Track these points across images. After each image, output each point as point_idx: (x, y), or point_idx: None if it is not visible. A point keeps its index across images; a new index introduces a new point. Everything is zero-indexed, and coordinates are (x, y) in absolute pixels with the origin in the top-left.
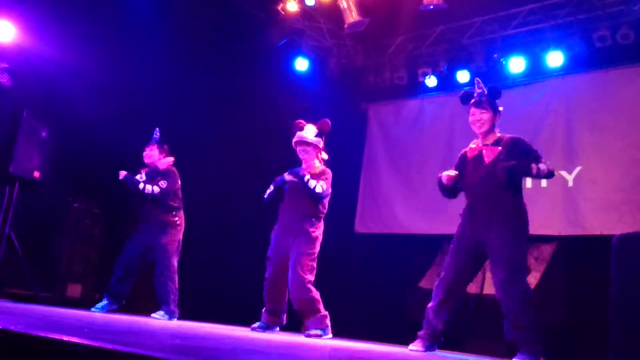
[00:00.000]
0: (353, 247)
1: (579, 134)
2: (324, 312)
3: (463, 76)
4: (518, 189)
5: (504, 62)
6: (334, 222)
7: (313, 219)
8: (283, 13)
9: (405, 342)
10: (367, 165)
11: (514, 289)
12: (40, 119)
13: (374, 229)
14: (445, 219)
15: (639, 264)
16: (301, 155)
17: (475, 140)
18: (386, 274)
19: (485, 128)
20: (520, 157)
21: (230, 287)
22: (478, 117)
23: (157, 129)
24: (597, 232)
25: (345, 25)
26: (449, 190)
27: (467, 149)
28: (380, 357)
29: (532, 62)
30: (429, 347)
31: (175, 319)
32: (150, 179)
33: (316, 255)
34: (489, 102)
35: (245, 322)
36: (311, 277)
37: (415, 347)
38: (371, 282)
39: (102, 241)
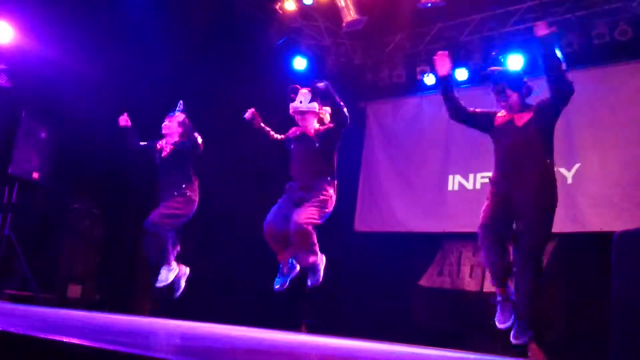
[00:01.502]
0: (353, 246)
1: (578, 131)
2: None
3: (461, 74)
4: (550, 153)
5: (502, 60)
6: (333, 221)
7: (328, 177)
8: (281, 12)
9: (406, 340)
10: (365, 163)
11: (530, 269)
12: (39, 120)
13: (374, 227)
14: (445, 217)
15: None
16: (300, 123)
17: (502, 111)
18: (386, 272)
19: (516, 108)
20: (548, 109)
21: (231, 287)
22: (504, 104)
23: (181, 101)
24: (597, 229)
25: (343, 24)
26: (449, 89)
27: (494, 112)
28: (380, 356)
29: (531, 59)
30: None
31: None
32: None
33: (326, 215)
34: (508, 84)
35: (246, 322)
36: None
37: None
38: (371, 281)
39: (102, 242)
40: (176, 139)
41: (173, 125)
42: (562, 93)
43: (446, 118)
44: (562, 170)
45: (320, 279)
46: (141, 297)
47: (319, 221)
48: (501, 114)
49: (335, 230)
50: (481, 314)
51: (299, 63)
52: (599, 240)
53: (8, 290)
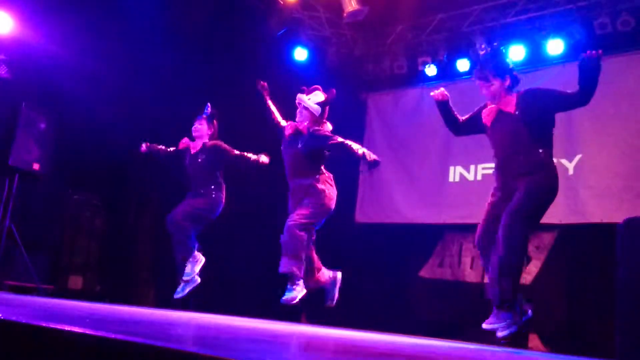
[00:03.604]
0: (353, 237)
1: (579, 122)
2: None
3: (463, 65)
4: (542, 142)
5: (504, 51)
6: (334, 212)
7: (316, 175)
8: (282, 2)
9: (406, 331)
10: None
11: (506, 239)
12: (39, 111)
13: (374, 218)
14: (446, 208)
15: None
16: (298, 114)
17: (489, 104)
18: (387, 263)
19: (499, 98)
20: (541, 104)
21: (234, 278)
22: (485, 91)
23: (209, 104)
24: (598, 220)
25: (345, 14)
26: (446, 112)
27: (484, 109)
28: (381, 347)
29: (532, 50)
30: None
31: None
32: (191, 157)
33: (322, 212)
34: (493, 69)
35: (247, 313)
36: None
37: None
38: (372, 272)
39: (103, 233)
40: (206, 139)
41: (203, 127)
42: (588, 96)
43: None
44: (564, 161)
45: (335, 299)
46: (141, 286)
47: (311, 220)
48: (486, 110)
49: (336, 222)
50: (482, 305)
51: (300, 54)
52: (600, 231)
53: (9, 281)
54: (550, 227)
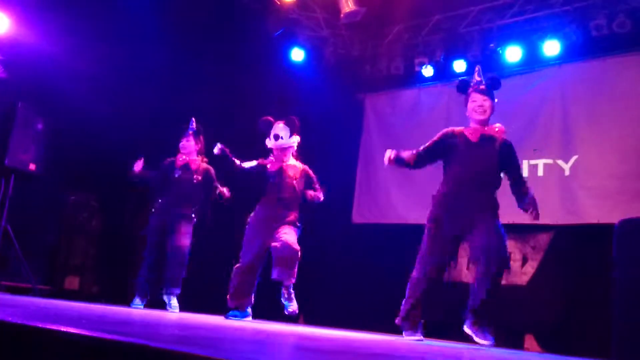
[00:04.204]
0: (350, 237)
1: (576, 123)
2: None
3: (459, 66)
4: (498, 186)
5: (500, 52)
6: (331, 213)
7: (298, 211)
8: (279, 3)
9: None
10: (363, 155)
11: (494, 279)
12: (36, 111)
13: (371, 219)
14: None
15: None
16: (276, 154)
17: (469, 127)
18: (384, 263)
19: (486, 116)
20: (507, 168)
21: (228, 277)
22: (480, 103)
23: (193, 119)
24: (594, 221)
25: (342, 15)
26: (401, 163)
27: (457, 130)
28: (378, 347)
29: (529, 51)
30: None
31: None
32: (184, 172)
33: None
34: (490, 90)
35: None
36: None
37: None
38: (368, 272)
39: (100, 234)
40: (194, 155)
41: (191, 144)
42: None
43: (444, 109)
44: (560, 162)
45: (297, 308)
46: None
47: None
48: (470, 129)
49: (333, 222)
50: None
51: (297, 54)
52: (597, 232)
53: (5, 281)
54: (546, 228)
